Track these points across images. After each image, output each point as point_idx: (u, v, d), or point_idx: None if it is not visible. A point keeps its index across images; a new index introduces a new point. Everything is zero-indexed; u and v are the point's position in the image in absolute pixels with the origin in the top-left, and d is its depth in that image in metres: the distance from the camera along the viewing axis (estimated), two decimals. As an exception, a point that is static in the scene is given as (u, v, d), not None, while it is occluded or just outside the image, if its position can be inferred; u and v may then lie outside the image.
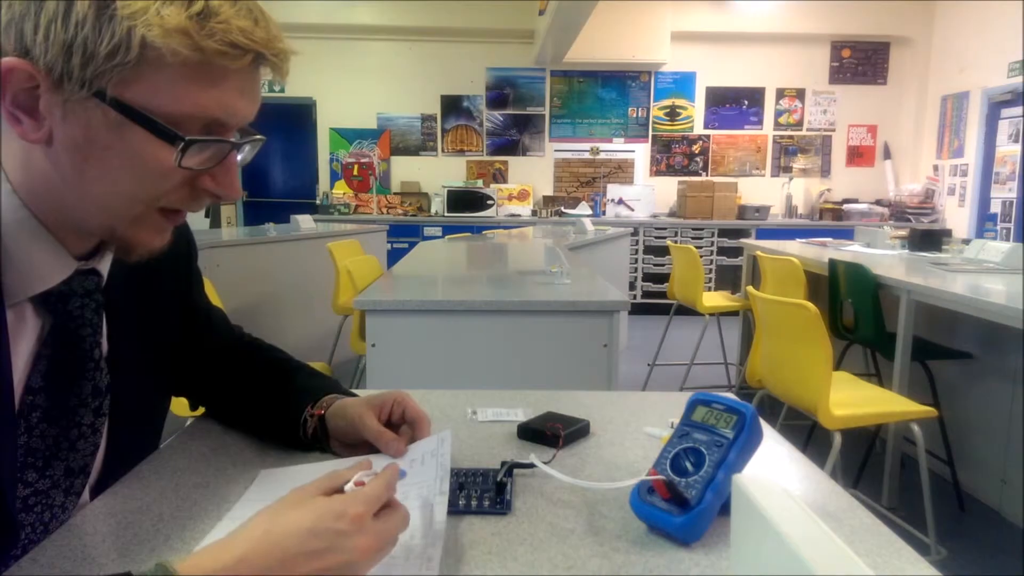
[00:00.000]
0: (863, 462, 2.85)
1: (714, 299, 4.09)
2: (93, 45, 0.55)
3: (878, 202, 7.21)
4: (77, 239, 0.66)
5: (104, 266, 0.71)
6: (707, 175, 7.44)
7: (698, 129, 7.43)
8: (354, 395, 0.89)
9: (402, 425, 0.83)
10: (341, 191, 7.35)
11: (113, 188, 0.60)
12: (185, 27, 0.55)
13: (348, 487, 0.57)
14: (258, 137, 0.68)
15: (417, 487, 0.68)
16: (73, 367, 0.69)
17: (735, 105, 7.40)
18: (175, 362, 0.86)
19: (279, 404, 0.87)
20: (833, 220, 7.00)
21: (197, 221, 5.18)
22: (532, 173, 7.44)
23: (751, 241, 4.55)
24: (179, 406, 1.04)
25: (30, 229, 0.62)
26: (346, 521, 0.52)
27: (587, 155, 7.45)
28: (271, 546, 0.49)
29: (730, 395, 0.74)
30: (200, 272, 0.95)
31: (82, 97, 0.56)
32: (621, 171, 7.47)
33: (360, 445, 0.80)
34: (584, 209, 7.13)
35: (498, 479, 0.73)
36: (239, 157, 0.67)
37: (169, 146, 0.59)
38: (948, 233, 3.96)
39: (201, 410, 0.98)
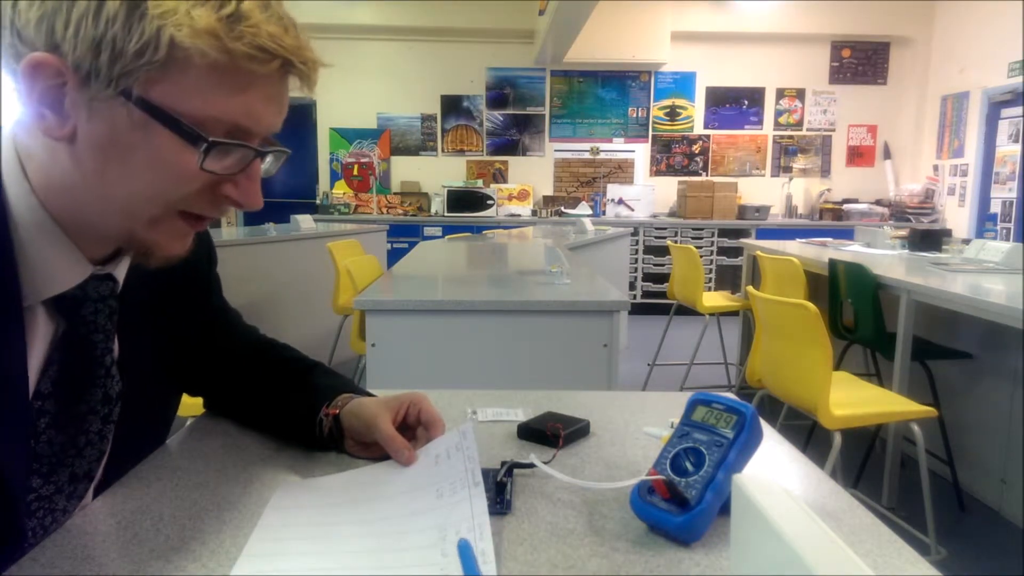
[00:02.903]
0: (863, 462, 2.85)
1: (714, 299, 4.08)
2: (122, 43, 0.54)
3: (878, 202, 7.21)
4: (94, 243, 0.65)
5: (120, 272, 0.70)
6: (707, 175, 7.44)
7: (698, 129, 7.42)
8: (371, 395, 0.89)
9: (418, 427, 0.83)
10: (341, 191, 7.35)
11: (134, 189, 0.60)
12: (214, 29, 0.55)
13: None
14: (283, 149, 0.67)
15: (449, 482, 0.68)
16: (84, 373, 0.68)
17: (735, 105, 7.39)
18: (191, 364, 0.86)
19: (294, 404, 0.86)
20: (833, 220, 7.00)
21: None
22: (532, 173, 7.44)
23: (751, 241, 4.55)
24: (180, 406, 1.04)
25: (47, 231, 0.61)
26: None
27: (587, 155, 7.45)
28: None
29: (730, 395, 0.74)
30: (219, 277, 0.94)
31: (108, 95, 0.56)
32: (621, 171, 7.47)
33: (375, 445, 0.80)
34: (584, 209, 7.13)
35: (498, 479, 0.72)
36: (263, 167, 0.67)
37: (192, 148, 0.58)
38: (948, 233, 3.96)
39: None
